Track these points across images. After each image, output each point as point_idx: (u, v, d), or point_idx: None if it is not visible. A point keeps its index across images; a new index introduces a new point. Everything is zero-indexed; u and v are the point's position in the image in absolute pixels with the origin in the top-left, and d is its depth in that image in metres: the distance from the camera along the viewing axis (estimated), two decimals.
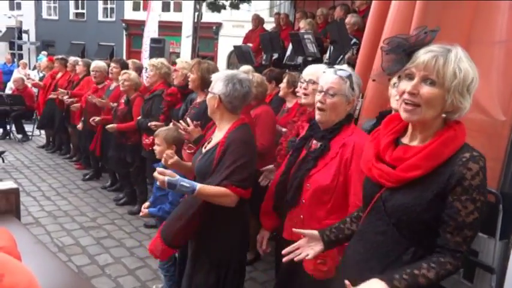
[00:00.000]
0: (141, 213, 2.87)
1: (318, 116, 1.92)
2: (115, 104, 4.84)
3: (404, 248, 1.28)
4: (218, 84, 2.15)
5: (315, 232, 1.57)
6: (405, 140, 1.36)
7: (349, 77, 1.87)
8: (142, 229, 4.29)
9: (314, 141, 1.97)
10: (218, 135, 2.20)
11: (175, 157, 2.30)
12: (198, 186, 1.97)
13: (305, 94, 2.51)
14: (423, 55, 1.21)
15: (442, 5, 2.35)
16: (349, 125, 1.93)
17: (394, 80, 2.10)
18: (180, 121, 2.85)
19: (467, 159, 1.21)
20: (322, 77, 1.94)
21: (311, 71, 2.46)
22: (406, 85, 1.25)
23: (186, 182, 1.95)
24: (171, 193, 2.72)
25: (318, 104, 1.90)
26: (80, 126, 5.48)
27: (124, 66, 5.22)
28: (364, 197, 1.45)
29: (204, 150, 2.24)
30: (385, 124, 1.42)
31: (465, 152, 1.24)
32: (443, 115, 1.26)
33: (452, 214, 1.22)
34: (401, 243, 1.29)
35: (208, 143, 2.26)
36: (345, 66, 1.96)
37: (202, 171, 2.15)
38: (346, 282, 1.25)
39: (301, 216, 1.91)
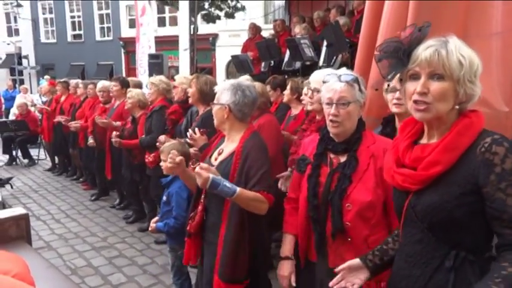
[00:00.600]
0: (150, 229, 2.89)
1: (333, 129, 1.77)
2: (118, 123, 4.87)
3: (445, 252, 1.21)
4: (225, 94, 2.13)
5: (356, 260, 1.47)
6: (423, 141, 1.31)
7: (356, 80, 1.76)
8: (153, 246, 4.28)
9: (332, 156, 1.82)
10: (230, 145, 2.16)
11: (181, 156, 2.22)
12: (238, 189, 1.93)
13: (311, 103, 2.52)
14: (424, 52, 1.18)
15: (436, 3, 2.35)
16: (366, 131, 1.82)
17: (386, 85, 2.10)
18: (189, 132, 2.86)
19: (489, 144, 1.14)
20: (326, 86, 1.80)
21: (317, 79, 2.40)
22: (414, 86, 1.21)
23: (228, 183, 1.93)
24: (175, 208, 2.76)
25: (331, 117, 1.74)
26: (91, 142, 5.37)
27: (124, 83, 5.23)
28: (396, 209, 1.37)
29: (214, 162, 2.20)
30: (401, 129, 1.37)
31: (485, 137, 1.17)
32: (457, 107, 1.21)
33: (499, 207, 1.12)
34: (440, 248, 1.21)
35: (219, 154, 2.21)
36: (344, 70, 1.87)
37: None
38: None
39: (349, 238, 1.73)
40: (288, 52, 6.11)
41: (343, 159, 1.78)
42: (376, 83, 2.68)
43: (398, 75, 1.28)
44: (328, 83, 1.79)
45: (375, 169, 1.70)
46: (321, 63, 5.35)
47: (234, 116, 2.13)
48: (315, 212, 1.79)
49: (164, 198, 2.87)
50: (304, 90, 2.64)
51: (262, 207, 2.01)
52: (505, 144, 1.14)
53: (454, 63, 1.15)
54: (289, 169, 2.85)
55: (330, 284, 1.45)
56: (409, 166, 1.26)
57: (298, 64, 5.86)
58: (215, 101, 2.17)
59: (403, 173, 1.27)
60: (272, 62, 6.55)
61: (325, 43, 5.40)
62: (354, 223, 1.71)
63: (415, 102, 1.21)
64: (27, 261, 2.35)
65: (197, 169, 1.91)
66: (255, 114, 3.28)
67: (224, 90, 2.14)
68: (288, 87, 3.49)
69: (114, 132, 4.58)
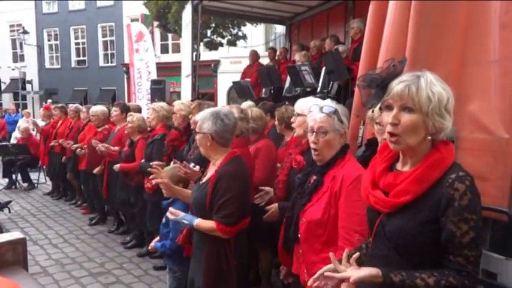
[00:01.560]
0: (149, 247, 2.97)
1: (314, 156, 1.99)
2: (116, 148, 4.91)
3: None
4: (206, 123, 2.25)
5: (329, 266, 1.53)
6: (399, 166, 1.40)
7: (335, 112, 1.94)
8: (151, 272, 4.21)
9: (314, 177, 2.01)
10: (211, 169, 2.31)
11: (165, 178, 2.48)
12: (195, 222, 2.20)
13: (294, 127, 2.68)
14: (396, 86, 1.28)
15: (435, 30, 2.41)
16: (344, 158, 1.96)
17: (369, 113, 2.28)
18: (184, 162, 2.86)
19: (453, 180, 1.24)
20: (310, 116, 2.01)
21: (298, 105, 2.63)
22: (388, 116, 1.31)
23: (186, 220, 2.22)
24: (172, 231, 2.77)
25: (312, 145, 1.96)
26: (97, 170, 5.41)
27: (124, 109, 5.32)
28: (368, 223, 1.49)
29: (200, 183, 2.35)
30: (380, 151, 1.47)
31: (452, 173, 1.26)
32: (429, 137, 1.31)
33: (448, 237, 1.24)
34: (402, 266, 1.30)
35: (204, 177, 2.36)
36: (328, 101, 2.05)
37: (197, 204, 2.28)
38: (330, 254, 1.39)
39: (300, 250, 1.96)
40: (288, 78, 6.19)
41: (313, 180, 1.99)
42: (358, 111, 2.84)
43: (378, 104, 1.38)
44: (311, 113, 2.01)
45: (331, 191, 1.87)
46: (319, 89, 5.42)
47: (216, 143, 2.26)
48: (288, 222, 2.10)
49: (164, 219, 2.87)
50: (293, 118, 2.74)
51: (218, 234, 2.17)
52: (466, 182, 1.24)
53: (423, 98, 1.25)
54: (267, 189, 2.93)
55: (309, 283, 1.53)
56: (382, 190, 1.37)
57: (298, 90, 5.93)
58: (198, 130, 2.29)
59: (376, 195, 1.37)
60: (272, 88, 6.63)
61: (323, 70, 5.49)
62: (306, 236, 1.93)
63: (389, 133, 1.32)
64: (22, 287, 2.31)
65: (167, 212, 2.30)
66: (254, 138, 3.31)
67: (205, 119, 2.26)
68: (276, 118, 3.54)
69: (116, 166, 4.68)
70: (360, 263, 1.55)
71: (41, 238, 5.28)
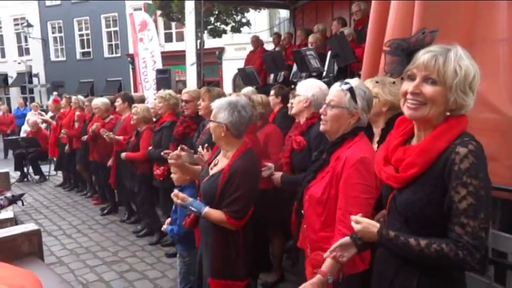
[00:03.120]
0: (162, 228, 3.02)
1: (321, 126, 1.97)
2: (121, 137, 4.99)
3: None
4: (222, 113, 2.23)
5: (346, 238, 1.55)
6: (413, 141, 1.38)
7: (350, 89, 1.86)
8: (164, 259, 4.28)
9: (325, 155, 2.00)
10: (223, 160, 2.30)
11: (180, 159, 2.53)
12: (204, 210, 2.19)
13: (291, 105, 2.80)
14: (423, 55, 1.25)
15: (441, 8, 2.36)
16: (353, 139, 1.89)
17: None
18: (199, 149, 2.90)
19: (455, 145, 1.22)
20: (330, 90, 1.99)
21: (298, 86, 2.72)
22: (408, 85, 1.28)
23: (194, 206, 2.21)
24: (178, 216, 2.82)
25: (322, 116, 1.95)
26: (110, 163, 5.49)
27: (126, 99, 5.36)
28: (383, 199, 1.49)
29: (210, 172, 2.33)
30: (396, 126, 1.44)
31: (458, 139, 1.23)
32: (448, 113, 1.27)
33: (448, 203, 1.22)
34: None
35: (215, 165, 2.34)
36: (352, 80, 1.96)
37: (206, 193, 2.27)
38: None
39: (305, 226, 1.99)
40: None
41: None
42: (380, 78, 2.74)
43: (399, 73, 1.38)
44: (333, 87, 1.97)
45: (334, 171, 1.85)
46: (324, 73, 5.38)
47: (230, 134, 2.24)
48: (298, 199, 2.09)
49: (174, 206, 2.91)
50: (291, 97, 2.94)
51: (227, 226, 2.19)
52: (469, 146, 1.20)
53: (449, 70, 1.21)
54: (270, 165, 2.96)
55: (324, 255, 1.60)
56: (393, 165, 1.36)
57: (304, 75, 5.89)
58: (212, 118, 2.27)
59: (387, 171, 1.37)
60: (281, 75, 6.59)
61: (329, 54, 5.44)
62: (308, 213, 1.95)
63: (407, 101, 1.28)
64: (39, 277, 2.37)
65: (172, 195, 2.28)
66: (259, 124, 3.32)
67: (221, 109, 2.24)
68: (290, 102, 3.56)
69: (122, 154, 4.76)
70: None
71: (55, 229, 5.39)
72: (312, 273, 1.77)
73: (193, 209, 2.20)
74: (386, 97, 2.16)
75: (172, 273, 3.92)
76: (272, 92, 4.01)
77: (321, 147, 2.09)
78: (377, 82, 2.22)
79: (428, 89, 1.23)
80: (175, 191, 2.29)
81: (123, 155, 4.71)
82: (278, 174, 2.84)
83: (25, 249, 2.96)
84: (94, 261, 4.27)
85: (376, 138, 2.21)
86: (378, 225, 1.34)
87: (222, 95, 3.38)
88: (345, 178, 1.79)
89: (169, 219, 2.98)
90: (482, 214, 1.18)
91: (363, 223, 1.38)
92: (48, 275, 2.72)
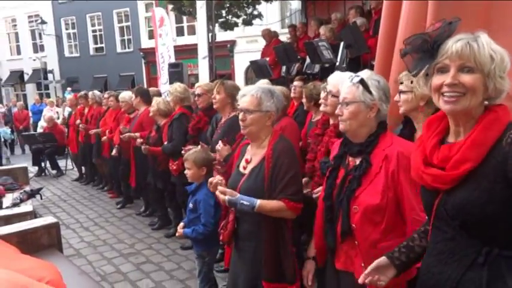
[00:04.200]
0: (177, 234, 2.91)
1: (340, 126, 1.83)
2: (137, 134, 4.98)
3: (478, 249, 1.18)
4: (269, 101, 2.12)
5: (383, 259, 1.45)
6: (450, 139, 1.29)
7: (361, 81, 1.74)
8: (179, 251, 4.33)
9: (350, 158, 1.83)
10: (259, 151, 2.16)
11: (223, 182, 2.23)
12: (257, 202, 1.99)
13: (325, 105, 2.53)
14: (455, 44, 1.17)
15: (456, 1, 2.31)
16: (386, 134, 1.77)
17: (401, 87, 2.14)
18: (217, 146, 2.87)
19: (508, 135, 1.14)
20: (342, 88, 1.86)
21: (333, 81, 2.42)
22: (442, 79, 1.20)
23: (245, 200, 2.00)
24: (203, 215, 2.78)
25: (339, 117, 1.82)
26: (114, 152, 5.60)
27: (139, 93, 5.33)
28: (425, 207, 1.36)
29: (243, 171, 2.19)
30: (427, 127, 1.35)
31: (508, 129, 1.16)
32: (486, 102, 1.21)
33: None
34: (473, 245, 1.19)
35: (247, 163, 2.20)
36: (363, 71, 1.85)
37: (251, 191, 2.07)
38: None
39: (356, 242, 1.73)
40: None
41: (358, 161, 1.77)
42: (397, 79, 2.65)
43: (423, 70, 1.26)
44: (344, 83, 1.84)
45: (386, 172, 1.67)
46: (337, 64, 5.33)
47: (272, 122, 2.17)
48: (328, 212, 1.82)
49: (190, 205, 2.89)
50: (322, 93, 2.62)
51: (286, 214, 2.04)
52: None
53: (485, 56, 1.15)
54: (305, 179, 2.80)
55: (360, 280, 1.46)
56: (437, 166, 1.24)
57: (317, 67, 5.86)
58: (254, 108, 2.11)
59: (432, 173, 1.25)
60: (294, 67, 6.56)
61: (341, 45, 5.39)
62: (361, 226, 1.70)
63: (444, 94, 1.20)
64: (59, 268, 2.43)
65: (216, 192, 2.07)
66: (277, 117, 3.29)
67: (265, 96, 2.12)
68: (303, 95, 3.46)
69: (139, 140, 4.75)
70: (414, 255, 1.44)
71: (73, 222, 5.50)
72: None
73: (245, 202, 1.98)
74: (422, 91, 1.99)
75: (188, 264, 3.97)
76: (299, 83, 3.97)
77: (339, 152, 1.89)
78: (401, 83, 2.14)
79: (467, 78, 1.16)
80: (220, 188, 2.07)
81: (146, 147, 4.58)
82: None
83: (45, 242, 3.04)
84: (111, 253, 4.35)
85: (419, 133, 2.07)
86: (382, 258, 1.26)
87: (236, 87, 3.35)
88: (405, 176, 1.60)
89: (181, 224, 2.90)
90: None
91: (370, 267, 1.30)
92: (68, 267, 2.79)
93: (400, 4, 2.58)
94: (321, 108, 2.62)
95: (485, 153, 1.16)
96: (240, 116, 2.15)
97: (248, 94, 2.14)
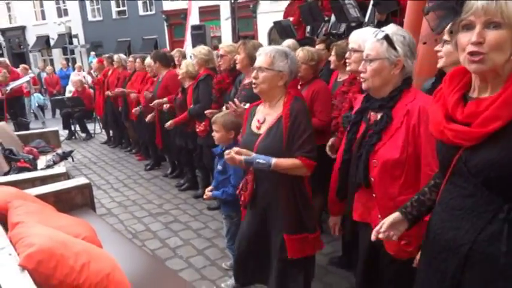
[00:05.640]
0: (204, 196, 2.97)
1: (363, 84, 1.82)
2: (165, 99, 5.03)
3: (498, 206, 1.17)
4: (280, 61, 2.14)
5: (396, 215, 1.48)
6: (474, 94, 1.25)
7: (386, 37, 1.70)
8: (205, 211, 4.47)
9: (372, 113, 1.83)
10: (273, 111, 2.20)
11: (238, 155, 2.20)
12: (273, 161, 2.05)
13: (349, 63, 2.47)
14: (479, 1, 1.12)
15: None
16: (409, 89, 1.75)
17: (445, 37, 2.01)
18: (229, 102, 2.86)
19: None
20: (366, 44, 1.82)
21: (354, 38, 2.39)
22: (467, 36, 1.16)
23: (261, 159, 2.07)
24: (232, 176, 2.80)
25: (362, 74, 1.80)
26: (136, 110, 5.75)
27: (157, 58, 5.28)
28: (441, 163, 1.34)
29: (257, 131, 2.22)
30: (448, 81, 1.31)
31: None
32: None
33: None
34: (494, 201, 1.18)
35: (261, 123, 2.22)
36: (388, 26, 1.78)
37: (268, 150, 2.10)
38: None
39: (374, 194, 1.78)
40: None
41: (380, 116, 1.78)
42: (424, 37, 2.55)
43: (448, 27, 1.22)
44: (368, 39, 1.81)
45: (408, 127, 1.67)
46: (365, 22, 5.12)
47: (285, 83, 2.18)
48: (344, 165, 1.92)
49: (219, 167, 2.91)
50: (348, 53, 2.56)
51: (301, 171, 2.11)
52: None
53: None
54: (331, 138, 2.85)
55: (372, 237, 1.48)
56: (461, 121, 1.22)
57: (343, 26, 5.65)
58: (267, 66, 2.14)
59: (455, 128, 1.22)
60: (325, 26, 6.35)
61: (371, 2, 5.15)
62: (380, 179, 1.73)
63: (470, 53, 1.15)
64: (93, 226, 2.57)
65: (232, 154, 2.11)
66: (308, 79, 3.24)
67: (279, 56, 2.14)
68: (333, 52, 3.34)
69: (165, 106, 4.91)
70: (424, 209, 1.46)
71: (103, 183, 5.72)
72: (398, 245, 1.65)
73: (261, 161, 2.05)
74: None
75: (214, 224, 4.10)
76: (323, 46, 3.87)
77: (361, 107, 1.90)
78: (424, 43, 2.05)
79: (493, 35, 1.11)
80: (235, 148, 2.15)
81: (170, 123, 4.71)
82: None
83: (78, 201, 3.20)
84: (141, 213, 4.54)
85: None
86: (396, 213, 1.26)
87: (257, 46, 3.29)
88: (426, 131, 1.58)
89: (209, 187, 2.94)
90: None
91: (385, 224, 1.30)
92: (101, 225, 2.93)
93: None
94: (347, 68, 2.56)
95: None
96: (253, 74, 2.20)
97: (263, 53, 2.18)
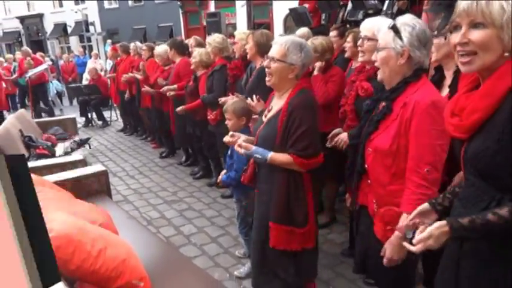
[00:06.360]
0: (217, 181, 3.06)
1: (378, 75, 1.83)
2: (175, 86, 5.07)
3: (492, 195, 1.20)
4: (294, 53, 2.10)
5: (424, 206, 1.50)
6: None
7: (393, 27, 1.69)
8: (219, 200, 4.51)
9: (383, 103, 1.84)
10: (278, 102, 2.21)
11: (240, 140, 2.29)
12: (269, 155, 2.11)
13: (362, 52, 2.46)
14: (462, 2, 1.17)
15: None
16: (417, 82, 1.72)
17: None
18: (248, 98, 2.89)
19: None
20: (379, 33, 1.83)
21: (367, 26, 2.36)
22: (456, 37, 1.20)
23: (259, 154, 2.14)
24: (236, 161, 2.85)
25: (376, 63, 1.80)
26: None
27: (174, 45, 5.30)
28: (456, 157, 1.39)
29: (264, 119, 2.26)
30: (462, 77, 1.37)
31: None
32: (506, 54, 1.15)
33: None
34: (488, 191, 1.21)
35: (268, 112, 2.27)
36: (403, 16, 1.75)
37: (265, 140, 2.18)
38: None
39: (368, 181, 1.87)
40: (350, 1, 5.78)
41: (382, 107, 1.83)
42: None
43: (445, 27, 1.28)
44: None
45: (401, 119, 1.69)
46: (383, 11, 5.01)
47: (296, 76, 2.16)
48: (352, 152, 2.00)
49: (229, 152, 2.98)
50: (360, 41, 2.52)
51: (296, 168, 2.12)
52: None
53: (494, 9, 1.12)
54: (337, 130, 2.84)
55: (400, 224, 1.56)
56: (458, 115, 1.28)
57: (360, 14, 5.55)
58: (279, 58, 2.11)
59: (453, 122, 1.29)
60: (341, 12, 6.23)
61: None
62: (373, 168, 1.82)
63: (459, 54, 1.20)
64: (109, 212, 2.61)
65: (235, 146, 2.21)
66: (323, 67, 3.23)
67: (293, 49, 2.10)
68: (349, 39, 3.29)
69: (172, 93, 5.00)
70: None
71: (119, 170, 5.81)
72: (384, 230, 1.71)
73: (258, 156, 2.13)
74: None
75: (228, 212, 4.13)
76: (336, 33, 3.84)
77: (375, 96, 1.94)
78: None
79: (476, 34, 1.14)
80: (239, 140, 2.22)
81: (181, 109, 4.77)
82: (344, 135, 2.66)
83: (95, 188, 3.26)
84: (156, 200, 4.60)
85: (448, 82, 2.03)
86: (444, 222, 1.23)
87: (263, 35, 3.29)
88: (416, 125, 1.63)
89: (223, 172, 3.00)
90: None
91: (431, 234, 1.26)
92: (117, 211, 2.99)
93: None
94: (359, 58, 2.55)
95: (495, 103, 1.15)
96: (265, 63, 2.20)
97: (278, 43, 2.16)
